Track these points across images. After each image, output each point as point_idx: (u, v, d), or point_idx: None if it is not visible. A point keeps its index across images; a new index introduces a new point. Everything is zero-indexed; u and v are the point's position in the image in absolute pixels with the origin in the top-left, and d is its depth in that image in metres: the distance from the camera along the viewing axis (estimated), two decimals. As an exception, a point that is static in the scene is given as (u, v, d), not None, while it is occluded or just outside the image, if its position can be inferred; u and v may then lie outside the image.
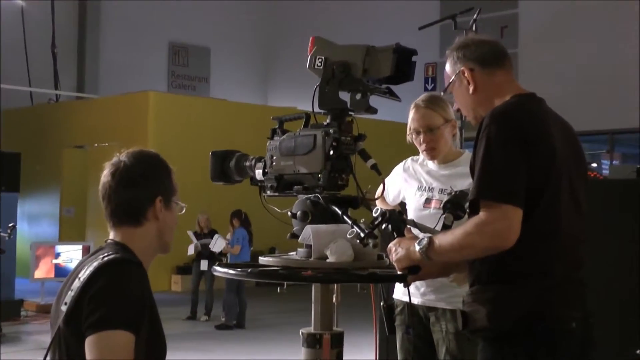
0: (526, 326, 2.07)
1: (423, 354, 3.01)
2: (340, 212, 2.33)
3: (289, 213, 2.46)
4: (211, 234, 10.06)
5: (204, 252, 9.89)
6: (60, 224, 15.06)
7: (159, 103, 14.23)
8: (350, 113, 2.42)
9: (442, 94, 2.42)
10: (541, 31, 15.51)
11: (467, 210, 2.22)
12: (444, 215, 2.35)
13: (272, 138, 2.56)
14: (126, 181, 1.91)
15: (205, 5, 19.35)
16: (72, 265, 1.77)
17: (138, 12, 18.31)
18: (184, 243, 9.89)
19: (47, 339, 1.88)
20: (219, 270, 2.43)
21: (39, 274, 10.21)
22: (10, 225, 8.48)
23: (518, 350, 2.09)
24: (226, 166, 2.67)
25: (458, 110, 2.40)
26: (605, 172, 14.01)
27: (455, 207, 2.33)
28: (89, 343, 1.69)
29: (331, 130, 2.36)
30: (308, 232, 2.34)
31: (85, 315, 1.71)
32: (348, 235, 2.25)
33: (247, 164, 2.62)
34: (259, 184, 2.58)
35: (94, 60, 18.13)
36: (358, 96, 2.38)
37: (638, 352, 3.79)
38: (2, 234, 8.46)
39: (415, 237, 2.23)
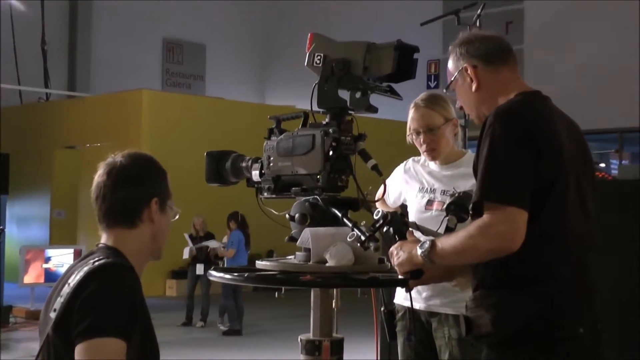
0: (531, 332, 2.07)
1: (425, 361, 3.02)
2: (340, 215, 2.33)
3: (287, 215, 2.46)
4: (207, 237, 10.06)
5: (200, 256, 9.89)
6: (50, 227, 15.05)
7: (152, 102, 14.23)
8: (350, 112, 2.43)
9: (444, 91, 2.42)
10: (548, 26, 15.52)
11: (471, 213, 2.22)
12: (446, 218, 2.35)
13: (269, 138, 2.56)
14: (122, 180, 1.92)
15: (200, 0, 19.36)
16: (62, 270, 1.77)
17: (131, 7, 18.31)
18: (179, 247, 9.89)
19: (36, 346, 1.88)
20: (215, 275, 2.43)
21: (28, 279, 10.20)
22: (-2, 228, 8.48)
23: (523, 357, 2.08)
24: (222, 167, 2.67)
25: (461, 108, 2.40)
26: (614, 172, 14.01)
27: (458, 208, 2.33)
28: (79, 351, 1.68)
29: (330, 130, 2.36)
30: (307, 235, 2.34)
31: (75, 322, 1.71)
32: (348, 239, 2.25)
33: (244, 164, 2.62)
34: (256, 186, 2.58)
35: (86, 57, 18.13)
36: (358, 94, 2.38)
37: None
38: (-10, 237, 8.46)
39: (418, 240, 2.23)
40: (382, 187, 2.60)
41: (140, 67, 18.56)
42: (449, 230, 2.32)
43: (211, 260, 9.77)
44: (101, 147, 12.92)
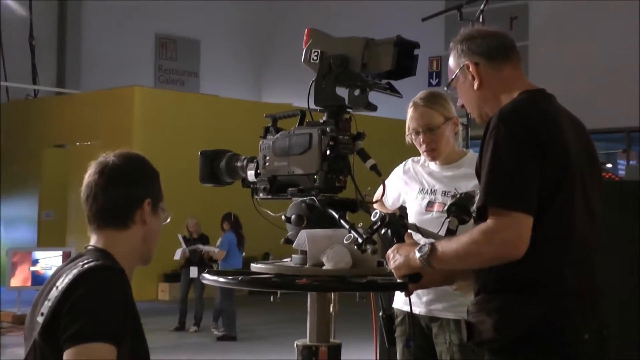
0: (535, 338, 2.07)
1: (425, 367, 3.02)
2: (337, 216, 2.33)
3: (283, 217, 2.47)
4: (201, 239, 10.06)
5: (193, 259, 9.89)
6: (38, 228, 15.03)
7: (145, 99, 14.22)
8: (348, 110, 2.43)
9: (445, 89, 2.43)
10: (553, 23, 15.53)
11: (474, 215, 2.22)
12: (448, 219, 2.35)
13: (265, 137, 2.56)
14: (115, 180, 1.92)
15: (194, -6, 19.37)
16: (50, 273, 1.77)
17: (122, 1, 18.30)
18: (172, 249, 9.89)
19: (23, 351, 1.88)
20: (209, 278, 2.44)
21: (15, 282, 10.19)
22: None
23: (527, 363, 2.09)
24: (216, 167, 2.67)
25: (463, 106, 2.40)
26: (621, 172, 14.02)
27: (460, 210, 2.33)
28: (68, 357, 1.68)
29: (328, 129, 2.36)
30: (303, 237, 2.35)
31: (63, 326, 1.71)
32: (345, 241, 2.25)
33: (239, 164, 2.63)
34: (251, 186, 2.59)
35: (75, 52, 18.11)
36: (357, 92, 2.39)
37: None
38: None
39: (416, 243, 2.24)
40: (380, 187, 2.60)
41: (132, 63, 18.54)
42: (450, 232, 2.32)
43: (205, 262, 9.76)
44: (92, 146, 12.91)
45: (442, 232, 2.38)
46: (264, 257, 12.67)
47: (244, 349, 8.92)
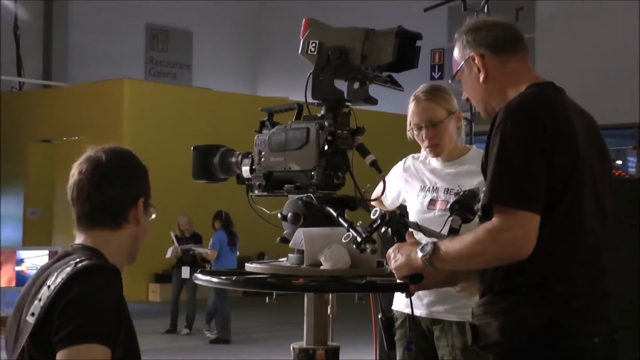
0: (543, 341, 2.07)
1: (426, 372, 3.03)
2: (335, 214, 2.33)
3: (279, 215, 2.47)
4: (194, 238, 10.06)
5: (185, 259, 9.89)
6: (24, 227, 15.04)
7: (135, 92, 14.22)
8: (347, 104, 2.43)
9: (450, 82, 2.42)
10: (561, 13, 15.54)
11: (478, 213, 2.22)
12: (451, 218, 2.35)
13: (260, 131, 2.56)
14: (109, 178, 1.92)
15: (187, -17, 19.35)
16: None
17: (112, -10, 18.29)
18: (163, 248, 9.89)
19: (4, 355, 1.88)
20: (201, 278, 2.44)
21: (-1, 282, 10.19)
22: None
23: (533, 367, 2.09)
24: (209, 163, 2.67)
25: (467, 100, 2.40)
26: (632, 170, 14.06)
27: (463, 208, 2.33)
28: (61, 357, 1.69)
29: (326, 123, 2.36)
30: (300, 236, 2.35)
31: (56, 327, 1.71)
32: (344, 240, 2.25)
33: (233, 160, 2.62)
34: (246, 183, 2.59)
35: (63, 43, 18.09)
36: (356, 85, 2.38)
37: None
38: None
39: (418, 243, 2.24)
40: (380, 184, 2.60)
41: (122, 55, 18.53)
42: (453, 231, 2.32)
43: (198, 263, 9.77)
44: (79, 141, 12.90)
45: (445, 232, 2.39)
46: (259, 257, 12.68)
47: (238, 352, 8.93)
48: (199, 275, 2.46)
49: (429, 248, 2.15)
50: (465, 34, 2.30)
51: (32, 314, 1.76)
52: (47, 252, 10.73)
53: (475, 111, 4.65)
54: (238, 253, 9.79)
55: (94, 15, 18.18)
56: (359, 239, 2.20)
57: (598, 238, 2.18)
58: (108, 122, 13.61)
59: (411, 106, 3.09)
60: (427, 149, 3.09)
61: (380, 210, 2.31)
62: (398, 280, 2.27)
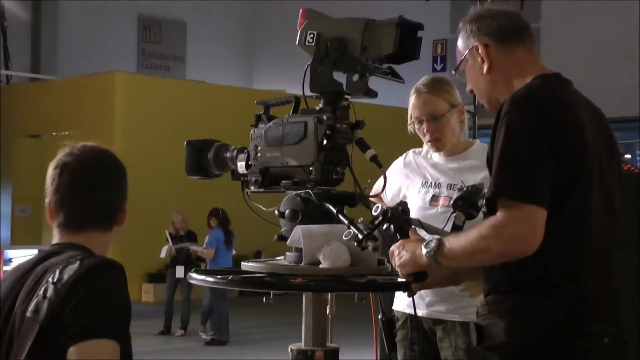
0: (551, 342, 2.08)
1: (429, 374, 3.03)
2: (335, 211, 2.33)
3: (276, 212, 2.47)
4: (188, 236, 10.06)
5: (180, 258, 9.89)
6: (12, 225, 15.03)
7: (127, 85, 14.21)
8: (346, 97, 2.43)
9: (453, 73, 2.42)
10: (567, 3, 15.53)
11: (483, 209, 2.22)
12: (454, 214, 2.35)
13: (256, 125, 2.56)
14: (101, 180, 1.94)
15: (180, -27, 19.33)
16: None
17: (102, -20, 18.27)
18: (156, 248, 9.89)
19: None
20: (196, 278, 2.44)
21: (-13, 282, 10.19)
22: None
23: (540, 369, 2.09)
24: (204, 158, 2.67)
25: (471, 91, 2.40)
26: (641, 164, 14.05)
27: (467, 204, 2.33)
28: (72, 354, 1.72)
29: (324, 117, 2.36)
30: (298, 234, 2.35)
31: (67, 323, 1.74)
32: (344, 237, 2.25)
33: (228, 155, 2.62)
34: (242, 179, 2.59)
35: (51, 35, 18.07)
36: (355, 77, 2.38)
37: None
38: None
39: (422, 239, 2.23)
40: (381, 179, 2.60)
41: (113, 47, 18.51)
42: (457, 228, 2.32)
43: (192, 262, 9.77)
44: (70, 136, 12.89)
45: (448, 228, 2.38)
46: (256, 256, 12.68)
47: (234, 353, 8.93)
48: (194, 275, 2.46)
49: (433, 244, 2.15)
50: (469, 23, 2.30)
51: (36, 312, 1.78)
52: (36, 251, 10.65)
53: (478, 104, 4.66)
54: (234, 252, 9.79)
55: (85, 5, 18.16)
56: (360, 236, 2.20)
57: (607, 235, 2.18)
58: (99, 117, 13.60)
59: (412, 99, 3.09)
60: (429, 144, 3.09)
61: (382, 206, 2.31)
62: (401, 279, 2.27)
